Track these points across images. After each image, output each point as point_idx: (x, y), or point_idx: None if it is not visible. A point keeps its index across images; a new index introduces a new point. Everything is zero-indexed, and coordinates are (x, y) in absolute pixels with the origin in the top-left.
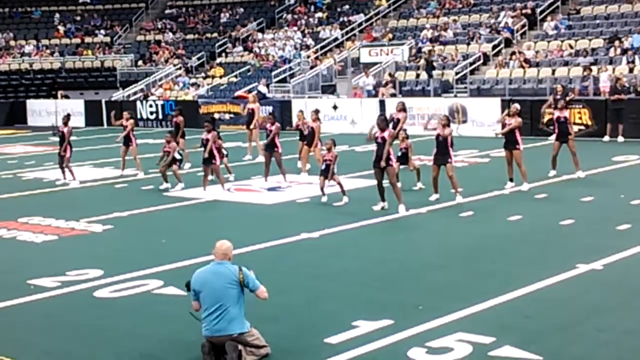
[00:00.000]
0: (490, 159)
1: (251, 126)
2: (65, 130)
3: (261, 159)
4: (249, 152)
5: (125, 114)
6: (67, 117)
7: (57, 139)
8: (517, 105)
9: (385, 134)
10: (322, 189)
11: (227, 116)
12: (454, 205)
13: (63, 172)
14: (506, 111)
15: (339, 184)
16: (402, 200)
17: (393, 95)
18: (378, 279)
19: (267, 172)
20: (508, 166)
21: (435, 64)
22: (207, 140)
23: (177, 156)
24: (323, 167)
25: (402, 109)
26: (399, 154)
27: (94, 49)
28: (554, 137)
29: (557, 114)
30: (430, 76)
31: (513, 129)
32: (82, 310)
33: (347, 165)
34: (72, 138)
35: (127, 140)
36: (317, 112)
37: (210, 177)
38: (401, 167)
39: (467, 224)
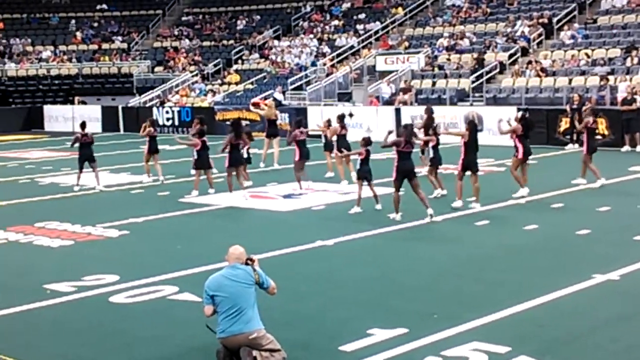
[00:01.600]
0: (506, 167)
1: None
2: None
3: (274, 166)
4: (264, 157)
5: (149, 123)
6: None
7: (76, 144)
8: (518, 114)
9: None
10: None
11: (243, 123)
12: (469, 214)
13: (79, 177)
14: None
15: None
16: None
17: (405, 103)
18: (393, 287)
19: (299, 179)
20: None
21: (449, 72)
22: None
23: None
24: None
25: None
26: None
27: (111, 55)
28: (578, 146)
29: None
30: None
31: (510, 132)
32: (97, 315)
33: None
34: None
35: (152, 147)
36: (341, 117)
37: (246, 183)
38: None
39: (483, 233)
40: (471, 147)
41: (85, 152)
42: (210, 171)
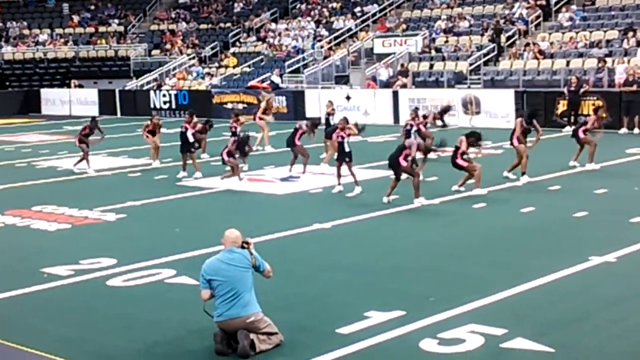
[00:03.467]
0: (503, 150)
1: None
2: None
3: (270, 149)
4: (259, 141)
5: (156, 121)
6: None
7: (70, 127)
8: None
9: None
10: (338, 175)
11: (240, 106)
12: (466, 197)
13: (88, 162)
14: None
15: (352, 172)
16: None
17: (404, 86)
18: (390, 270)
19: (293, 163)
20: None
21: (446, 54)
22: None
23: (190, 138)
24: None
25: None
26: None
27: (108, 38)
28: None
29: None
30: (498, 44)
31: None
32: (95, 298)
33: (361, 156)
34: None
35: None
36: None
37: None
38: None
39: (480, 215)
40: None
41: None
42: (194, 154)
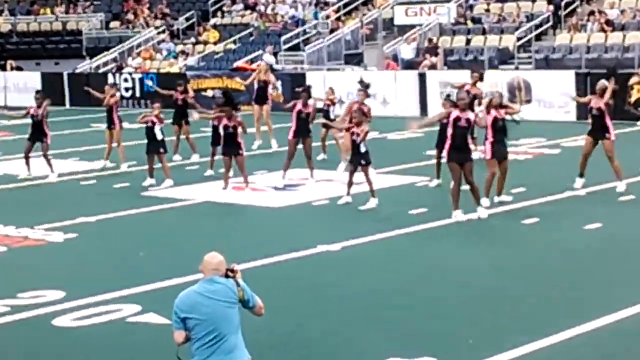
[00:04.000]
0: (561, 149)
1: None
2: (40, 111)
3: (270, 146)
4: (258, 137)
5: (109, 89)
6: (41, 97)
7: (5, 122)
8: (604, 82)
9: (471, 116)
10: (349, 183)
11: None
12: (514, 209)
13: (28, 165)
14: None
15: (368, 179)
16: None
17: (433, 67)
18: (417, 304)
19: (288, 166)
20: (583, 158)
21: (487, 26)
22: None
23: (159, 135)
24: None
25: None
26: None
27: (54, 7)
28: None
29: None
30: (555, 12)
31: (603, 110)
32: (38, 341)
33: (379, 157)
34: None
35: (110, 122)
36: (366, 86)
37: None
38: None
39: (532, 233)
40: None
41: (34, 130)
42: (163, 156)
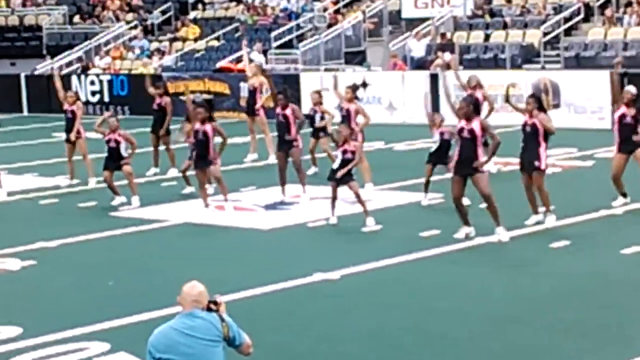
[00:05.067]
0: (594, 161)
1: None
2: None
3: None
4: (252, 149)
5: (70, 95)
6: None
7: None
8: (631, 89)
9: (475, 125)
10: (333, 201)
11: (205, 97)
12: (542, 231)
13: None
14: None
15: (358, 196)
16: (500, 220)
17: (446, 67)
18: (429, 341)
19: (284, 181)
20: (615, 179)
21: (509, 19)
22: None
23: (124, 152)
24: (337, 164)
25: (479, 84)
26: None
27: None
28: None
29: None
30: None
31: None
32: None
33: (382, 171)
34: None
35: (70, 132)
36: (354, 88)
37: (208, 187)
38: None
39: (561, 258)
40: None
41: None
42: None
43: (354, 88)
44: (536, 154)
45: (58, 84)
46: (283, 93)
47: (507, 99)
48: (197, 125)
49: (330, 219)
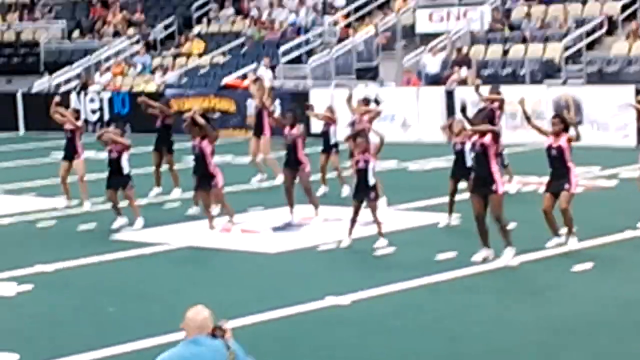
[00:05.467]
0: (619, 180)
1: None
2: None
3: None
4: (261, 169)
5: (71, 112)
6: None
7: None
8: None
9: (486, 140)
10: (352, 222)
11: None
12: (564, 253)
13: None
14: None
15: (375, 216)
16: (510, 240)
17: (463, 82)
18: None
19: (291, 202)
20: None
21: (529, 33)
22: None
23: (126, 168)
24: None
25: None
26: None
27: (5, 14)
28: None
29: None
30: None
31: None
32: None
33: (397, 191)
34: None
35: (71, 152)
36: (367, 102)
37: (214, 207)
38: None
39: (586, 283)
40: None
41: None
42: (131, 192)
43: (367, 101)
44: (567, 177)
45: (60, 116)
46: (292, 112)
47: (528, 120)
48: (197, 140)
49: (344, 240)
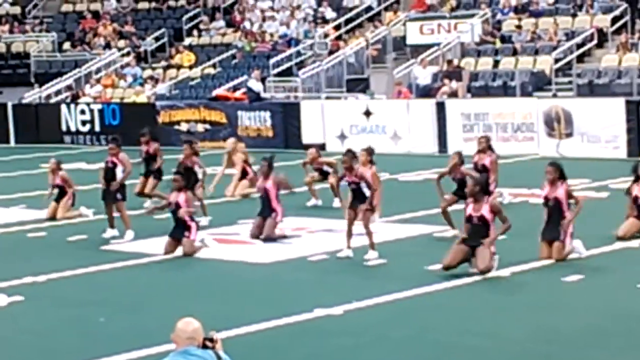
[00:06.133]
0: (609, 192)
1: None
2: None
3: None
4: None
5: (53, 164)
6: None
7: None
8: None
9: (484, 211)
10: (349, 233)
11: (200, 127)
12: (553, 265)
13: None
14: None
15: (367, 227)
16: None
17: (453, 94)
18: None
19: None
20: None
21: (519, 45)
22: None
23: (120, 177)
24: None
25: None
26: None
27: None
28: None
29: None
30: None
31: None
32: None
33: (388, 203)
34: None
35: (60, 193)
36: (370, 151)
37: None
38: None
39: (576, 293)
40: None
41: None
42: (122, 204)
43: (370, 152)
44: (563, 230)
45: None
46: (267, 161)
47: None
48: (172, 196)
49: (344, 251)
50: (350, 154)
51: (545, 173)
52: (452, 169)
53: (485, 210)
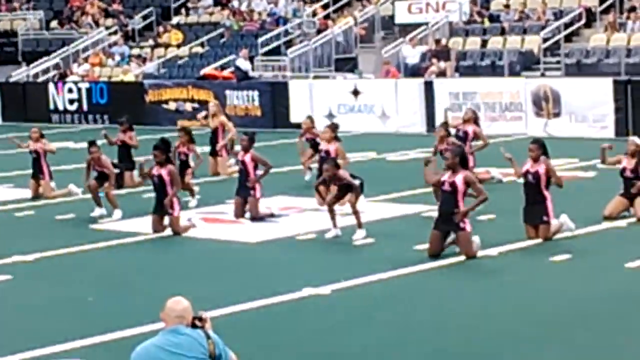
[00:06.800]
0: (596, 172)
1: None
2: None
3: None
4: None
5: (34, 131)
6: None
7: None
8: (636, 140)
9: (457, 179)
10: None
11: (188, 106)
12: (541, 244)
13: None
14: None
15: (354, 207)
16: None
17: (442, 74)
18: (426, 359)
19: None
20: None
21: (507, 24)
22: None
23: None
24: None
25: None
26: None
27: None
28: None
29: None
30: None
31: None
32: None
33: (375, 183)
34: None
35: (38, 170)
36: (334, 127)
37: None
38: None
39: (563, 272)
40: None
41: None
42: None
43: (334, 127)
44: (543, 207)
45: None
46: (248, 136)
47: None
48: (154, 170)
49: (331, 231)
50: (331, 164)
51: (528, 151)
52: (440, 141)
53: (458, 179)
